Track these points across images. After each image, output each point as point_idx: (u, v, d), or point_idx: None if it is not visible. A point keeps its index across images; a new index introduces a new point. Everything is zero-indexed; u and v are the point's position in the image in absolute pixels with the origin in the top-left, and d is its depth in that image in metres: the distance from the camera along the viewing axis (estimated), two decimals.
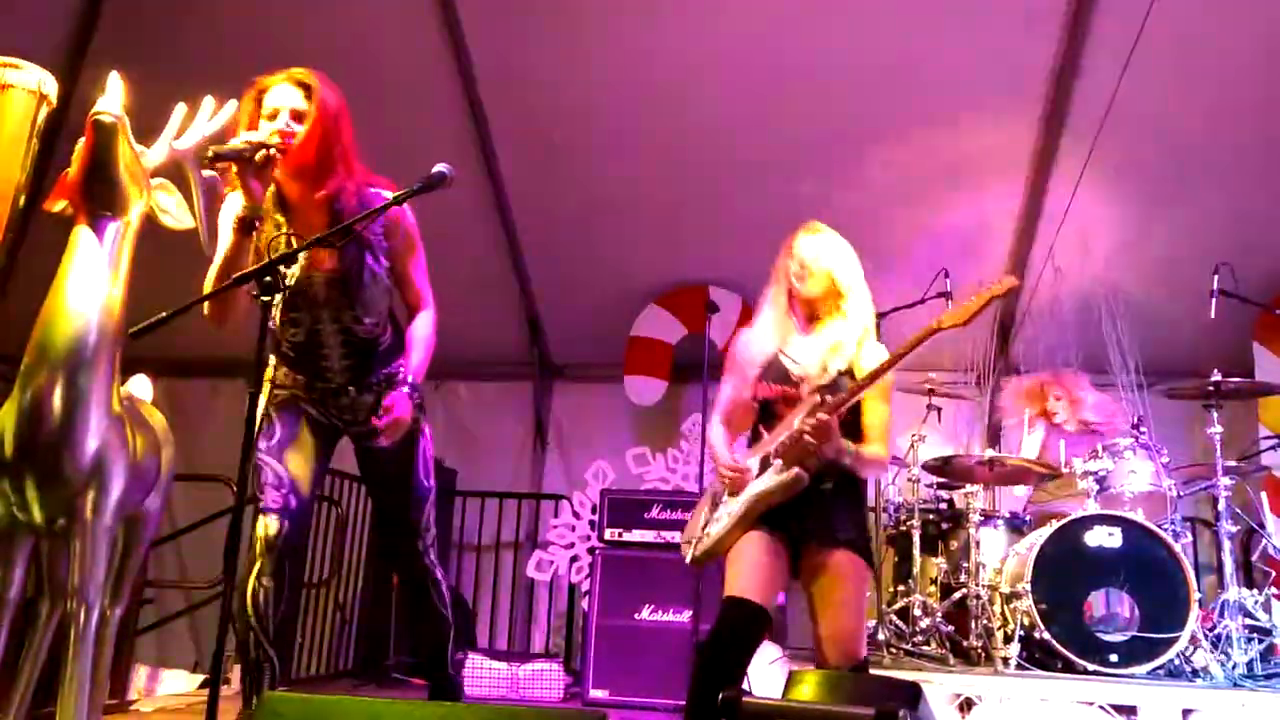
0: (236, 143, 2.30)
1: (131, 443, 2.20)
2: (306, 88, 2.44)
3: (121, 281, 2.14)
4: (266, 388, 2.60)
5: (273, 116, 2.41)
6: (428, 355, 2.67)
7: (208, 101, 2.31)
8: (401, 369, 2.64)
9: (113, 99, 2.08)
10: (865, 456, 2.52)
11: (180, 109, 2.27)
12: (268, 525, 2.52)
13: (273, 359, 2.66)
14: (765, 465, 2.55)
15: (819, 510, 2.51)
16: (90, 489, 2.09)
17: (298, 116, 2.41)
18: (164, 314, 2.01)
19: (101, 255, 2.10)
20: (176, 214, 2.30)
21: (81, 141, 2.08)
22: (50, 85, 2.58)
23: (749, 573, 2.45)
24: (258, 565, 2.50)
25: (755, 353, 2.69)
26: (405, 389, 2.57)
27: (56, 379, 2.02)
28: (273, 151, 2.32)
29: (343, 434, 2.73)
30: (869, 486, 4.44)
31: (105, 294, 2.09)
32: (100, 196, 2.11)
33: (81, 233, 2.11)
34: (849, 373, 2.56)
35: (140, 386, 2.64)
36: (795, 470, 2.44)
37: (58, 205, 2.18)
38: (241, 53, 4.62)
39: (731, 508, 2.58)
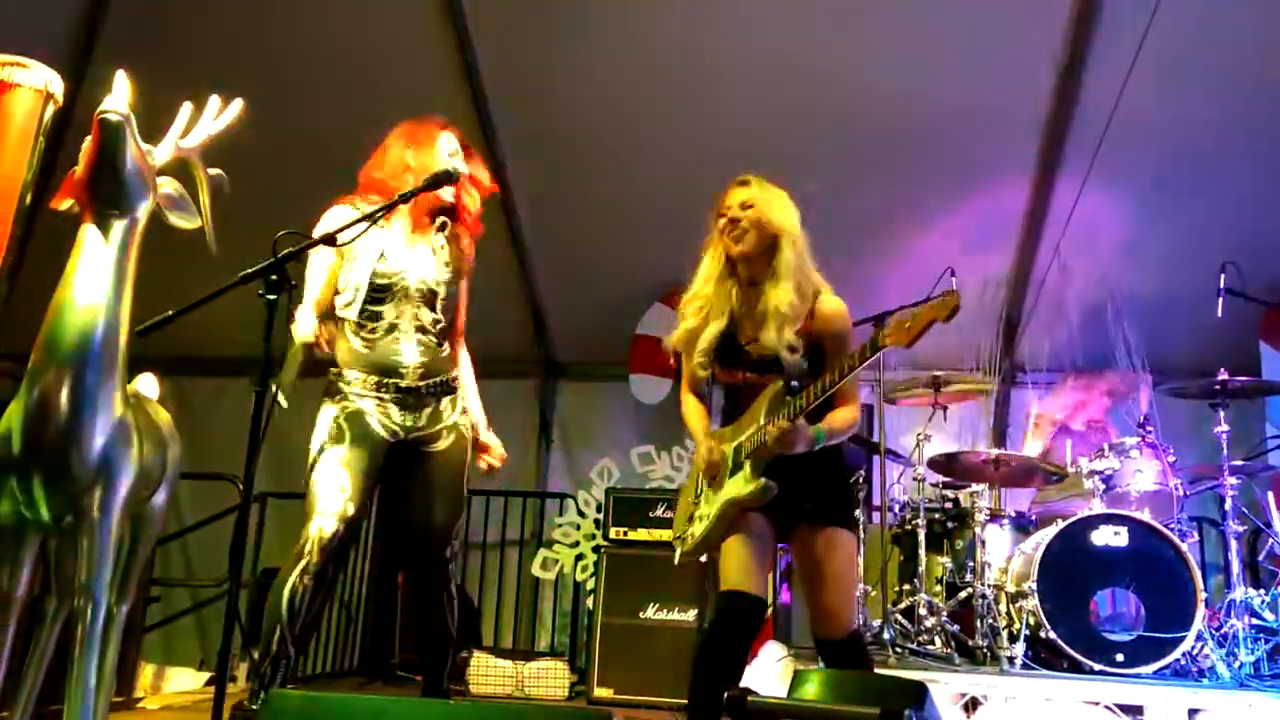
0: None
1: (138, 441, 2.20)
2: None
3: (128, 280, 2.14)
4: (336, 399, 2.73)
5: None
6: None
7: (214, 100, 2.31)
8: (456, 379, 2.92)
9: (119, 97, 2.07)
10: (837, 427, 2.51)
11: (187, 107, 2.27)
12: (323, 527, 2.58)
13: (339, 367, 2.77)
14: (737, 461, 2.56)
15: (803, 488, 2.51)
16: (97, 487, 2.09)
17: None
18: (170, 312, 2.01)
19: (108, 254, 2.10)
20: (183, 213, 2.31)
21: (88, 140, 2.08)
22: (56, 84, 2.59)
23: (740, 564, 2.47)
24: (304, 562, 2.55)
25: (704, 332, 2.66)
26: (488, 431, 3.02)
27: (64, 377, 2.02)
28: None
29: (394, 447, 2.79)
30: (874, 486, 4.48)
31: (112, 292, 2.09)
32: (107, 195, 2.11)
33: (88, 231, 2.11)
34: (809, 335, 2.51)
35: (147, 384, 2.64)
36: (762, 482, 2.45)
37: (64, 204, 2.18)
38: (247, 51, 4.67)
39: (711, 507, 2.59)
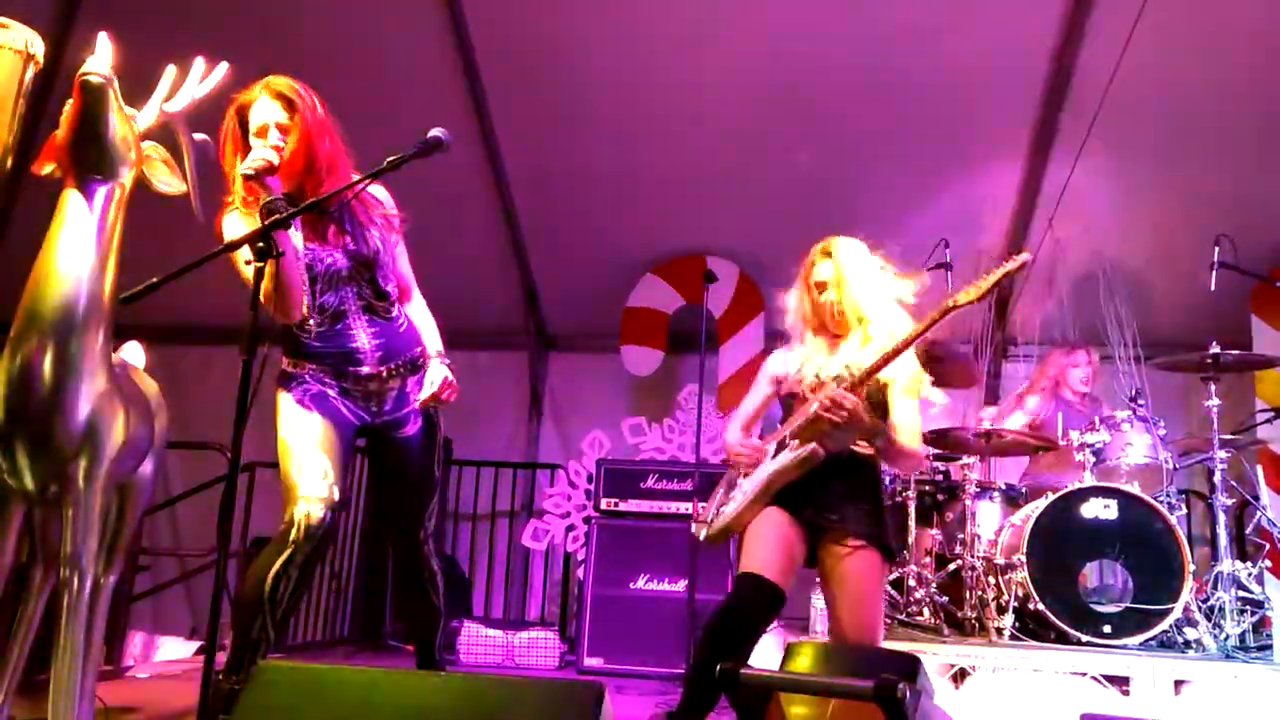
0: (246, 169, 2.34)
1: (124, 409, 2.17)
2: (287, 100, 2.45)
3: (112, 246, 2.10)
4: (294, 385, 2.56)
5: (262, 133, 2.44)
6: (437, 329, 2.76)
7: (198, 63, 2.27)
8: (422, 353, 2.69)
9: (102, 60, 2.03)
10: (899, 445, 2.50)
11: (171, 71, 2.23)
12: (310, 514, 2.42)
13: (291, 361, 2.60)
14: (781, 446, 2.54)
15: (837, 506, 2.51)
16: (82, 456, 2.07)
17: (283, 130, 2.45)
18: (155, 279, 1.97)
19: (91, 219, 2.07)
20: (168, 178, 2.27)
21: (70, 103, 2.04)
22: (37, 45, 2.53)
23: (768, 551, 2.45)
24: (289, 552, 2.40)
25: (783, 367, 2.72)
26: (442, 361, 2.68)
27: (47, 345, 1.99)
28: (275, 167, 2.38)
29: (362, 430, 2.67)
30: None
31: (96, 259, 2.06)
32: (89, 159, 2.07)
33: (71, 196, 2.07)
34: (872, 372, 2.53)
35: (133, 353, 2.62)
36: (811, 446, 2.44)
37: (46, 168, 2.14)
38: (232, 14, 4.59)
39: (746, 486, 2.57)
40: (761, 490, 2.52)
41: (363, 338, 2.59)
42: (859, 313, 2.60)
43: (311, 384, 2.58)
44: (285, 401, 2.57)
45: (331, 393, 2.59)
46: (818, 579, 2.63)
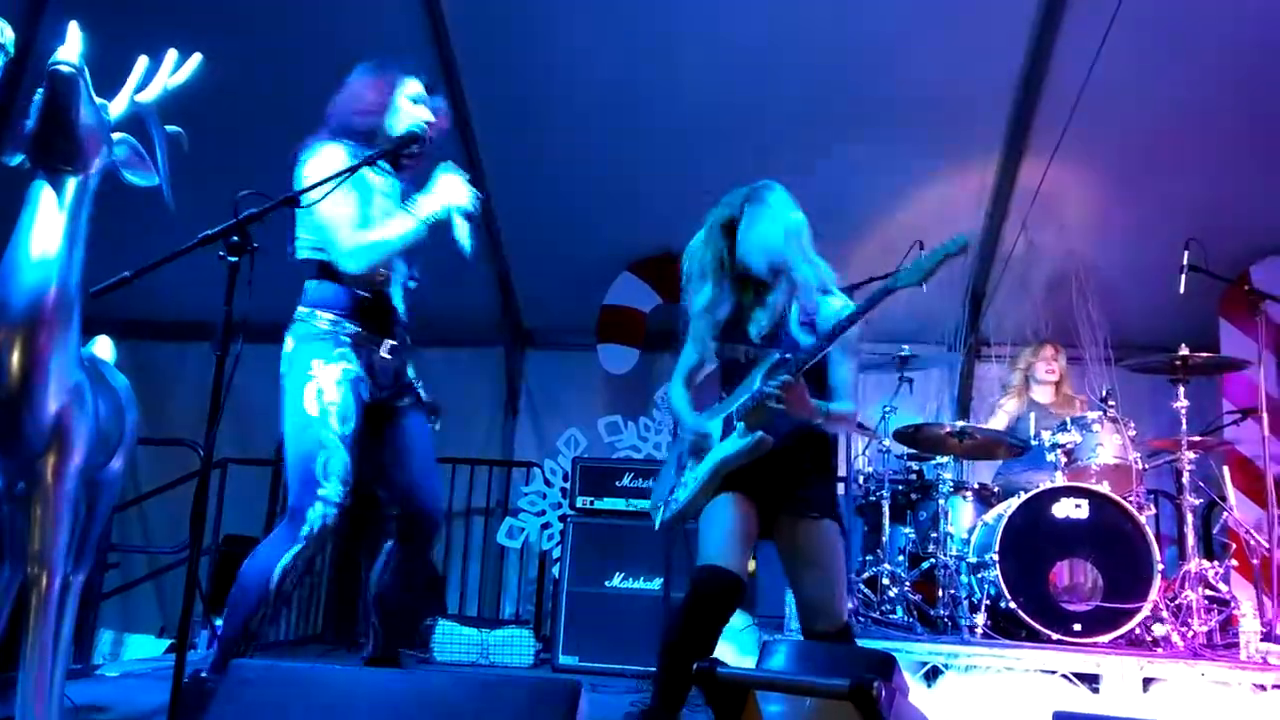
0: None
1: (94, 406, 2.14)
2: None
3: (82, 239, 2.07)
4: (338, 355, 2.53)
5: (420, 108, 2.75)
6: None
7: (171, 54, 2.24)
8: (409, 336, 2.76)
9: (72, 49, 2.00)
10: (835, 414, 2.51)
11: (142, 61, 2.20)
12: (327, 518, 2.42)
13: (334, 312, 2.57)
14: (728, 426, 2.54)
15: (792, 477, 2.51)
16: (51, 452, 2.04)
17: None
18: (127, 273, 1.95)
19: (61, 211, 2.03)
20: (140, 170, 2.23)
21: (40, 93, 2.01)
22: (7, 34, 2.49)
23: (724, 540, 2.44)
24: (299, 548, 2.39)
25: (715, 316, 2.65)
26: None
27: (14, 339, 1.96)
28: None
29: (367, 410, 2.63)
30: (839, 456, 4.51)
31: (65, 251, 2.02)
32: (59, 150, 2.04)
33: (40, 188, 2.04)
34: (809, 325, 2.53)
35: (102, 348, 2.58)
36: (759, 435, 2.44)
37: (15, 159, 2.10)
38: (206, 5, 4.53)
39: (697, 472, 2.57)
40: (711, 477, 2.53)
41: (401, 307, 2.68)
42: (777, 266, 2.56)
43: (349, 361, 2.54)
44: (322, 372, 2.50)
45: (362, 371, 2.57)
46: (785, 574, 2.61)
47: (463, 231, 2.61)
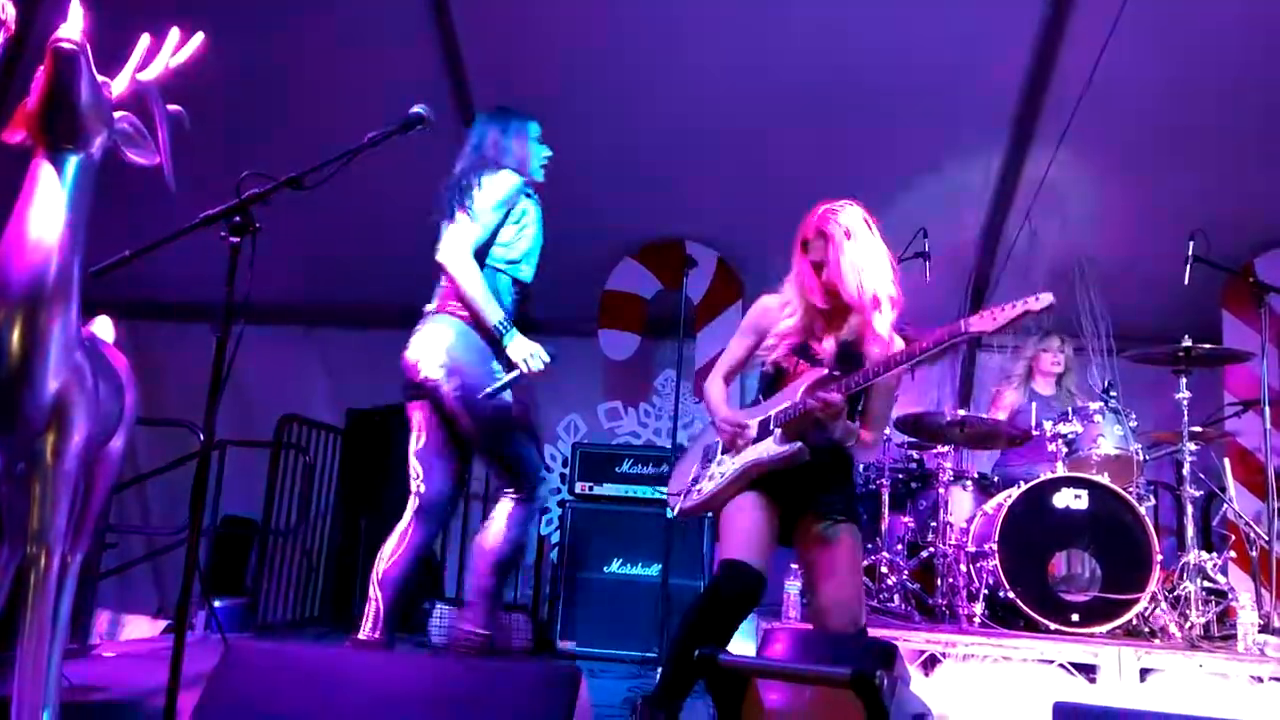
0: None
1: (94, 385, 2.13)
2: None
3: (83, 218, 2.05)
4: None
5: None
6: None
7: (173, 32, 2.21)
8: None
9: (74, 26, 1.97)
10: (864, 440, 2.56)
11: (145, 39, 2.17)
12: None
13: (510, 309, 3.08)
14: (764, 429, 2.54)
15: (816, 483, 2.52)
16: (51, 432, 2.02)
17: None
18: (128, 253, 1.94)
19: (62, 190, 2.01)
20: (141, 149, 2.21)
21: (40, 70, 1.99)
22: (8, 10, 2.47)
23: (750, 537, 2.44)
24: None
25: (780, 324, 2.64)
26: None
27: (14, 318, 1.94)
28: None
29: None
30: None
31: (65, 230, 2.00)
32: (60, 129, 2.01)
33: (41, 166, 2.02)
34: (858, 348, 2.54)
35: (102, 327, 2.57)
36: (798, 445, 2.44)
37: (15, 137, 2.08)
38: None
39: (726, 467, 2.56)
40: (740, 475, 2.52)
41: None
42: (856, 293, 2.54)
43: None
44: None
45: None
46: (794, 565, 2.63)
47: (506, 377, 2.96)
